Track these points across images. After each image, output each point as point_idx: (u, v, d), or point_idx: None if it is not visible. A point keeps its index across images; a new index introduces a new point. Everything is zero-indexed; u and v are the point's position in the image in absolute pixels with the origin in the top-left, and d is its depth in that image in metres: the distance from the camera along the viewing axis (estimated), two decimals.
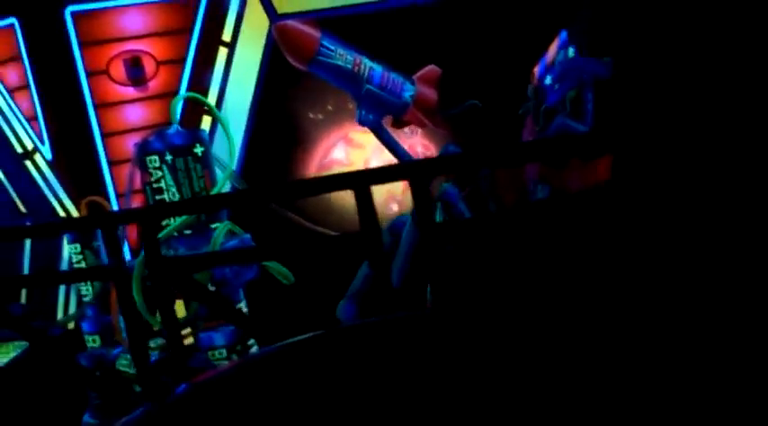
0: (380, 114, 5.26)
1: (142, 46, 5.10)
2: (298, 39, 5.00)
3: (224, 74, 5.26)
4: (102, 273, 4.42)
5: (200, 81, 5.20)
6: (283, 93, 5.43)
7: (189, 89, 5.18)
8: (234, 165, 4.97)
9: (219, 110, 5.28)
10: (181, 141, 4.50)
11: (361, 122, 5.21)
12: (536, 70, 5.03)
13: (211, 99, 5.23)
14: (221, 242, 4.42)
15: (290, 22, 5.11)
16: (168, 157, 4.46)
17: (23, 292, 5.59)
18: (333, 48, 4.98)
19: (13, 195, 5.46)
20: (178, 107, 5.12)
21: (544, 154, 3.72)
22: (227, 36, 5.26)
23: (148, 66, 5.09)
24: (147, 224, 3.59)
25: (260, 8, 5.41)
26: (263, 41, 5.32)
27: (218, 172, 4.95)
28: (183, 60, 5.16)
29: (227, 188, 4.87)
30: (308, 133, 5.62)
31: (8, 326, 4.55)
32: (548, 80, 5.10)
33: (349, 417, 1.77)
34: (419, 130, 5.47)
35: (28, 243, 5.49)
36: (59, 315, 5.40)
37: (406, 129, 4.90)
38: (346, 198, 5.33)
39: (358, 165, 5.68)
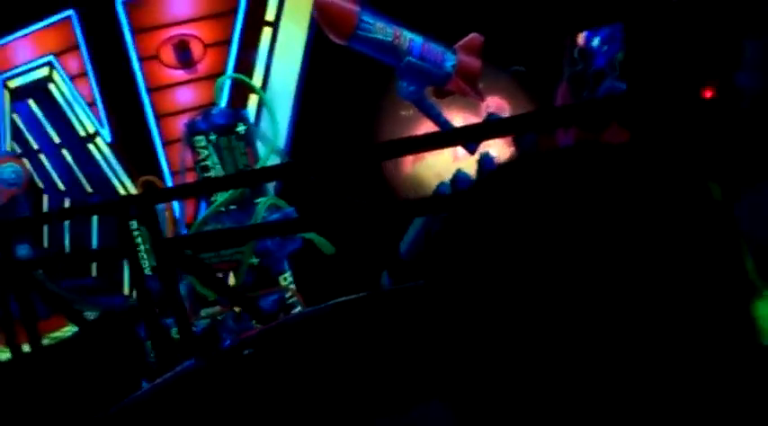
0: (422, 85, 5.31)
1: (190, 30, 5.28)
2: (337, 15, 5.09)
3: (269, 53, 5.39)
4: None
5: (245, 61, 5.34)
6: (329, 69, 5.56)
7: (235, 69, 5.34)
8: (278, 141, 5.17)
9: (265, 88, 5.42)
10: (224, 121, 4.69)
11: (403, 94, 5.29)
12: (583, 33, 4.97)
13: (257, 78, 5.38)
14: (263, 215, 4.62)
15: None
16: (212, 137, 4.67)
17: (94, 266, 6.03)
18: (372, 22, 5.05)
19: (80, 176, 5.82)
20: (225, 88, 5.34)
21: (589, 115, 3.59)
22: (270, 16, 5.38)
23: (196, 49, 5.28)
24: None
25: None
26: (307, 19, 5.43)
27: (262, 148, 5.16)
28: (229, 42, 5.31)
29: (270, 163, 5.06)
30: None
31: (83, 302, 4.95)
32: (595, 42, 5.03)
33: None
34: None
35: (95, 220, 5.86)
36: (126, 287, 5.76)
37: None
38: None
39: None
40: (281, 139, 5.45)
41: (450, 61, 4.87)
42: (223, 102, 5.13)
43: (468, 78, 5.01)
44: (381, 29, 5.16)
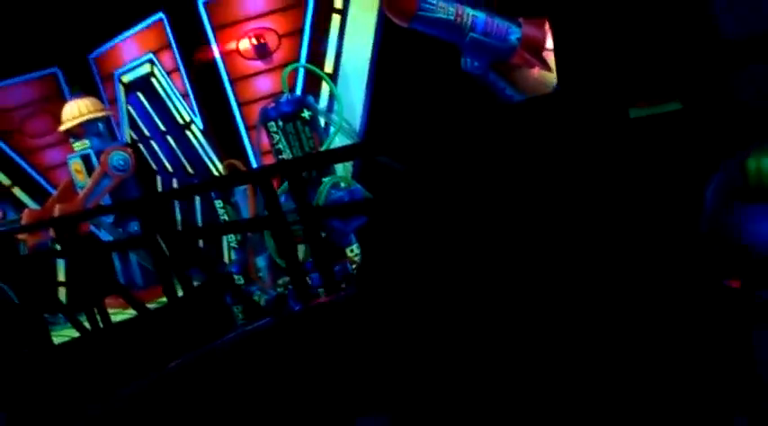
0: (486, 60, 5.37)
1: (265, 23, 5.61)
2: None
3: (338, 40, 5.60)
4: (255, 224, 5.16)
5: (317, 49, 5.58)
6: (402, 52, 5.71)
7: (308, 57, 5.61)
8: (347, 124, 5.46)
9: (337, 73, 5.67)
10: (290, 108, 5.02)
11: (467, 70, 5.40)
12: None
13: (328, 64, 5.64)
14: (326, 194, 4.96)
15: None
16: (281, 123, 5.04)
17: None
18: (434, 2, 5.18)
19: (182, 159, 6.42)
20: (299, 76, 5.68)
21: None
22: (338, 3, 5.57)
23: (271, 40, 5.65)
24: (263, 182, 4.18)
25: None
26: (375, 3, 5.58)
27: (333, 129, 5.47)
28: (301, 31, 5.63)
29: (335, 145, 5.37)
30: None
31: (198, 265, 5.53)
32: None
33: None
34: None
35: (197, 199, 6.45)
36: (226, 257, 6.32)
37: None
38: None
39: None
40: (356, 122, 5.73)
41: (514, 34, 4.89)
42: (298, 90, 5.46)
43: (534, 50, 5.03)
44: (443, 8, 5.25)
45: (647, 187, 2.36)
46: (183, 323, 5.13)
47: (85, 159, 5.94)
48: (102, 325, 5.25)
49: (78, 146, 6.03)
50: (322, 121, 5.41)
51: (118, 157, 5.80)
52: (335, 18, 5.58)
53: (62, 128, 6.05)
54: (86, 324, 5.31)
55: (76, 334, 5.52)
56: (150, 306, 5.70)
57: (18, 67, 7.05)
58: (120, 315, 5.71)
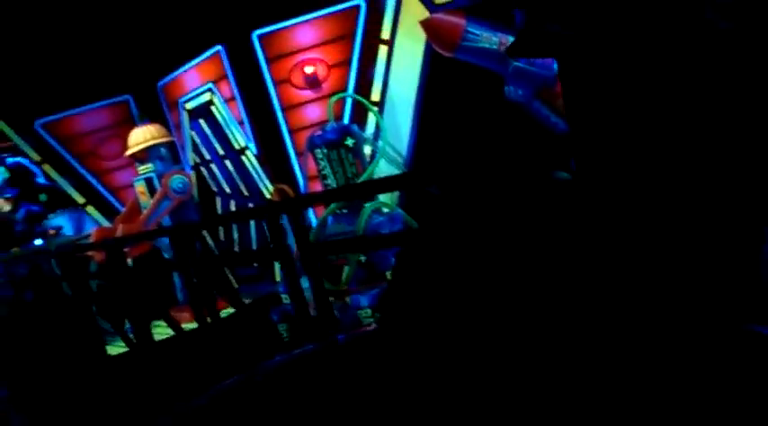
0: (531, 88, 5.44)
1: (315, 54, 5.82)
2: (442, 29, 5.38)
3: (385, 69, 5.73)
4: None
5: (365, 78, 5.77)
6: (449, 81, 5.80)
7: (355, 86, 5.80)
8: (392, 150, 5.62)
9: (384, 102, 5.85)
10: (334, 136, 5.20)
11: (511, 98, 5.48)
12: None
13: (375, 93, 5.78)
14: (366, 218, 5.10)
15: (435, 16, 5.50)
16: (325, 150, 5.24)
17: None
18: (478, 32, 5.28)
19: (239, 182, 6.69)
20: (347, 104, 5.87)
21: None
22: (385, 34, 5.75)
23: (321, 70, 5.85)
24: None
25: (418, 3, 5.88)
26: (423, 34, 5.57)
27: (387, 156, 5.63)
28: (350, 61, 5.83)
29: (377, 172, 5.51)
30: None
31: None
32: None
33: None
34: None
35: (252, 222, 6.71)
36: (277, 276, 6.54)
37: None
38: None
39: None
40: (403, 149, 5.87)
41: None
42: (345, 118, 5.65)
43: None
44: (487, 38, 5.36)
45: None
46: (232, 339, 5.36)
47: (149, 182, 6.29)
48: (153, 339, 5.53)
49: (143, 169, 6.39)
50: (368, 149, 5.59)
51: (178, 181, 6.12)
52: (383, 48, 5.76)
53: (128, 153, 6.43)
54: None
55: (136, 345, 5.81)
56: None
57: (94, 95, 7.52)
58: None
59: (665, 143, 2.38)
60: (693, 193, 2.31)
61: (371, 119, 5.73)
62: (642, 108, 2.56)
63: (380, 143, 5.39)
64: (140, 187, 6.36)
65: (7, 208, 9.26)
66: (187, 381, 5.02)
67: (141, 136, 6.32)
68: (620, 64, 2.55)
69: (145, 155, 6.28)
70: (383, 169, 5.56)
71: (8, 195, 8.91)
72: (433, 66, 5.74)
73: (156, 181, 6.23)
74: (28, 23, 7.16)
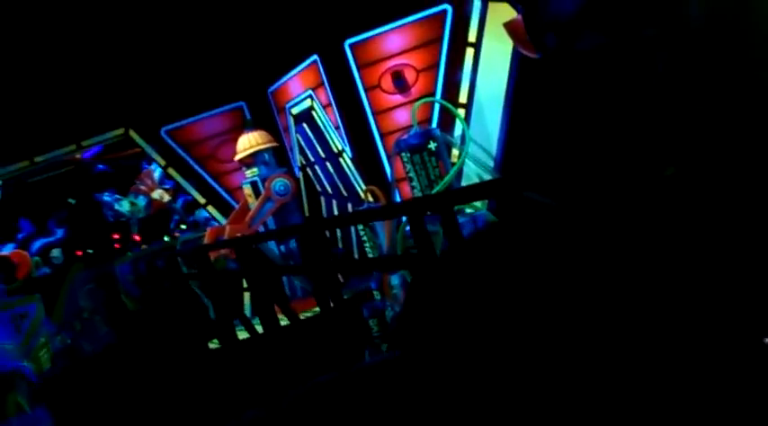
0: None
1: (403, 60, 5.95)
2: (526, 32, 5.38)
3: (472, 72, 5.78)
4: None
5: (452, 81, 5.85)
6: (538, 82, 5.73)
7: (443, 89, 5.92)
8: (471, 153, 5.64)
9: (471, 104, 5.88)
10: (416, 141, 5.31)
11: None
12: None
13: (463, 95, 5.85)
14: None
15: (518, 17, 5.50)
16: (408, 154, 5.38)
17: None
18: None
19: (339, 183, 6.97)
20: (435, 109, 5.95)
21: None
22: (472, 37, 5.79)
23: (410, 75, 5.93)
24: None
25: (504, 5, 5.85)
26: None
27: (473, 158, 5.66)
28: (437, 66, 5.92)
29: (466, 174, 5.57)
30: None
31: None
32: None
33: None
34: None
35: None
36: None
37: None
38: None
39: None
40: (492, 150, 5.88)
41: None
42: (433, 122, 5.76)
43: None
44: None
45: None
46: (329, 332, 5.65)
47: (254, 185, 6.68)
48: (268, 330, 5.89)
49: (249, 173, 6.81)
50: (455, 151, 5.66)
51: (279, 183, 6.47)
52: (469, 51, 5.76)
53: (236, 158, 6.86)
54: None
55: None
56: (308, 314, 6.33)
57: (212, 103, 8.05)
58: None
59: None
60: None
61: (458, 121, 5.79)
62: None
63: (465, 145, 5.43)
64: (247, 190, 6.78)
65: (167, 198, 10.12)
66: (281, 376, 5.34)
67: (247, 142, 6.73)
68: None
69: (250, 160, 6.68)
70: (471, 171, 5.61)
71: (167, 186, 9.74)
72: (521, 66, 5.70)
73: (260, 185, 6.61)
74: (154, 41, 7.77)
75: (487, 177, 5.64)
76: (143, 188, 10.12)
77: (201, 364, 6.09)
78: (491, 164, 5.74)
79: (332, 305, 5.34)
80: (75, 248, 10.39)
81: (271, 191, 6.42)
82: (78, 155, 9.69)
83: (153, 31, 7.77)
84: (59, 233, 10.71)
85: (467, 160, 5.52)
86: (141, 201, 10.39)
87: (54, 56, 7.77)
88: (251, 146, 6.65)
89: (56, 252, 9.98)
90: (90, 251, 10.36)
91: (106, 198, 10.47)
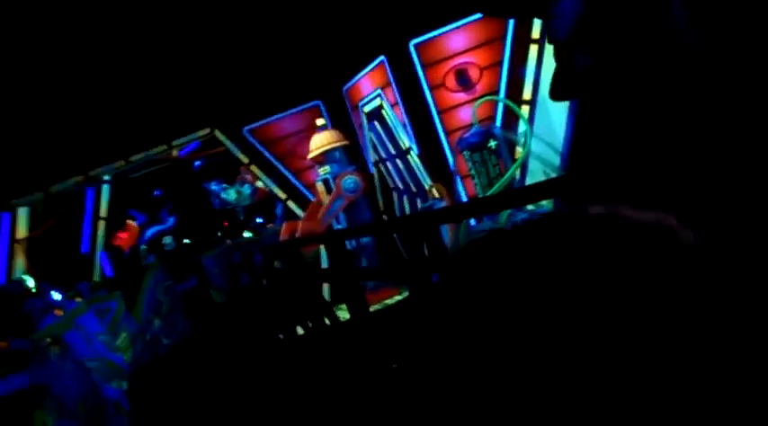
0: None
1: (467, 58, 5.99)
2: None
3: (536, 68, 5.77)
4: None
5: (516, 78, 5.84)
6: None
7: (507, 86, 5.86)
8: (534, 148, 5.62)
9: (535, 100, 5.86)
10: (476, 139, 5.36)
11: None
12: None
13: (527, 92, 5.83)
14: (507, 215, 5.21)
15: None
16: (468, 153, 5.44)
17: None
18: None
19: (408, 180, 7.07)
20: (499, 107, 5.97)
21: None
22: (535, 34, 5.75)
23: (474, 73, 5.97)
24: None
25: None
26: None
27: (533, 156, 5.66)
28: (500, 63, 5.92)
29: (531, 170, 5.57)
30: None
31: None
32: None
33: None
34: None
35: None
36: None
37: None
38: None
39: None
40: (558, 145, 5.84)
41: None
42: (498, 118, 5.80)
43: None
44: None
45: None
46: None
47: (326, 183, 6.90)
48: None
49: (321, 171, 7.03)
50: (519, 148, 5.67)
51: (349, 181, 6.65)
52: (533, 48, 5.73)
53: (309, 156, 7.10)
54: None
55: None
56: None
57: (291, 102, 8.32)
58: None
59: None
60: None
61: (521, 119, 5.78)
62: None
63: (526, 143, 5.43)
64: (320, 187, 7.00)
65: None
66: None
67: (319, 141, 6.95)
68: None
69: (322, 158, 6.90)
70: (538, 168, 5.60)
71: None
72: None
73: (331, 182, 6.82)
74: (237, 45, 8.12)
75: (554, 175, 5.62)
76: (248, 177, 10.60)
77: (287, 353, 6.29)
78: (557, 161, 5.70)
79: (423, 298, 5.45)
80: (184, 235, 11.02)
81: (341, 189, 6.61)
82: (175, 153, 10.23)
83: (236, 36, 8.11)
84: (171, 221, 11.38)
85: (532, 157, 5.52)
86: (246, 190, 10.83)
87: (145, 62, 8.26)
88: (322, 145, 6.86)
89: (167, 239, 10.61)
90: (191, 239, 10.93)
91: (213, 186, 10.99)
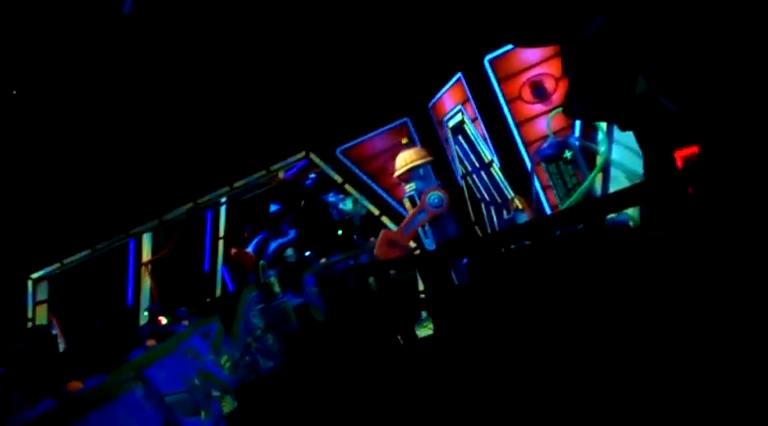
0: None
1: (542, 70, 5.91)
2: None
3: None
4: None
5: None
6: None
7: None
8: (608, 156, 5.51)
9: None
10: (551, 151, 5.32)
11: None
12: None
13: None
14: None
15: None
16: (544, 165, 5.42)
17: None
18: None
19: (493, 191, 7.09)
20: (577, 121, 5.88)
21: None
22: None
23: (549, 84, 5.92)
24: None
25: None
26: None
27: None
28: None
29: (614, 177, 5.46)
30: None
31: None
32: None
33: None
34: None
35: None
36: None
37: None
38: None
39: None
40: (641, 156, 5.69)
41: None
42: (576, 128, 5.73)
43: None
44: None
45: None
46: None
47: (411, 199, 7.03)
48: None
49: (408, 188, 7.17)
50: (601, 158, 5.57)
51: (434, 197, 6.75)
52: None
53: (395, 175, 7.27)
54: None
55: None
56: None
57: (380, 121, 8.55)
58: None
59: None
60: None
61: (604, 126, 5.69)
62: None
63: (602, 152, 5.35)
64: (407, 204, 7.15)
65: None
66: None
67: (402, 160, 7.10)
68: None
69: (407, 176, 7.05)
70: (622, 175, 5.50)
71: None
72: None
73: (416, 198, 6.95)
74: (325, 70, 8.45)
75: (638, 182, 5.49)
76: None
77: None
78: (640, 169, 5.56)
79: None
80: (305, 247, 11.42)
81: (425, 204, 6.73)
82: (281, 175, 10.66)
83: (326, 61, 8.44)
84: (292, 233, 11.85)
85: (614, 165, 5.43)
86: (363, 199, 11.08)
87: (244, 92, 8.75)
88: (406, 164, 7.01)
89: (289, 251, 11.05)
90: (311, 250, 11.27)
91: (331, 198, 11.32)
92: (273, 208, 12.35)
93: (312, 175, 11.47)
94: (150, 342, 5.39)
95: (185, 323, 6.74)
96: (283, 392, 5.68)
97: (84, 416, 2.49)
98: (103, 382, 2.89)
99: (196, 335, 5.10)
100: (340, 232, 11.30)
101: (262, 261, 11.23)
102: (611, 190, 5.48)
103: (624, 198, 4.09)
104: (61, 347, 8.81)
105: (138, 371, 2.92)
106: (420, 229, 6.97)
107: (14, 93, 8.12)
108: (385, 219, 8.69)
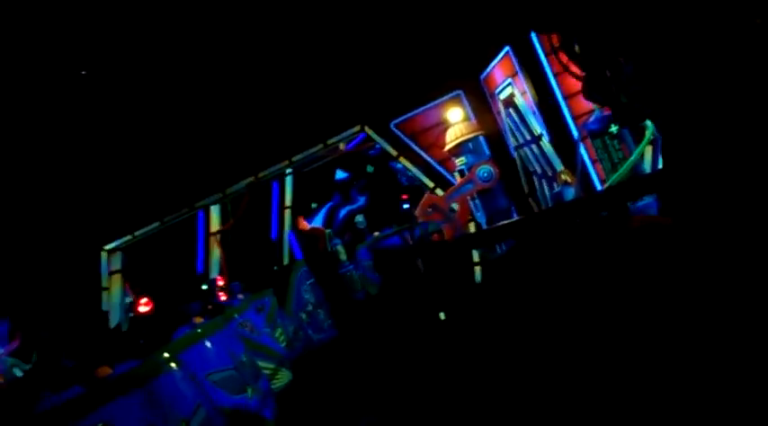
0: None
1: None
2: None
3: None
4: None
5: None
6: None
7: None
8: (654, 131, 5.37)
9: None
10: (596, 126, 5.24)
11: None
12: None
13: None
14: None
15: None
16: (590, 139, 5.34)
17: None
18: None
19: (543, 164, 7.01)
20: None
21: None
22: None
23: None
24: None
25: None
26: None
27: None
28: None
29: (647, 157, 5.34)
30: None
31: None
32: None
33: None
34: None
35: None
36: None
37: None
38: None
39: None
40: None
41: None
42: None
43: None
44: None
45: None
46: None
47: (461, 173, 7.07)
48: None
49: (458, 162, 7.19)
50: (648, 132, 5.46)
51: (484, 170, 6.75)
52: None
53: (445, 149, 7.29)
54: None
55: None
56: None
57: (433, 95, 8.55)
58: None
59: None
60: None
61: None
62: None
63: (649, 126, 5.23)
64: (458, 177, 7.19)
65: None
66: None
67: (453, 135, 7.11)
68: None
69: (457, 150, 7.06)
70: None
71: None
72: None
73: (466, 172, 6.97)
74: (381, 45, 8.49)
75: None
76: None
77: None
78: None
79: None
80: (375, 213, 11.55)
81: (474, 176, 6.74)
82: (342, 147, 10.78)
83: (381, 35, 8.47)
84: (361, 200, 12.04)
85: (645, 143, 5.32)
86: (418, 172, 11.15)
87: (302, 73, 8.91)
88: (455, 138, 7.03)
89: (359, 218, 11.25)
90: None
91: (399, 165, 11.43)
92: (340, 175, 12.47)
93: (378, 145, 11.56)
94: (197, 320, 5.63)
95: (240, 296, 6.99)
96: (337, 365, 5.84)
97: (113, 401, 2.64)
98: (134, 367, 3.03)
99: (251, 309, 5.29)
100: (406, 206, 11.29)
101: (328, 230, 11.44)
102: (661, 165, 5.37)
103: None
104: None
105: (174, 353, 3.06)
106: (472, 204, 6.98)
107: (84, 73, 8.48)
108: (439, 192, 8.73)
